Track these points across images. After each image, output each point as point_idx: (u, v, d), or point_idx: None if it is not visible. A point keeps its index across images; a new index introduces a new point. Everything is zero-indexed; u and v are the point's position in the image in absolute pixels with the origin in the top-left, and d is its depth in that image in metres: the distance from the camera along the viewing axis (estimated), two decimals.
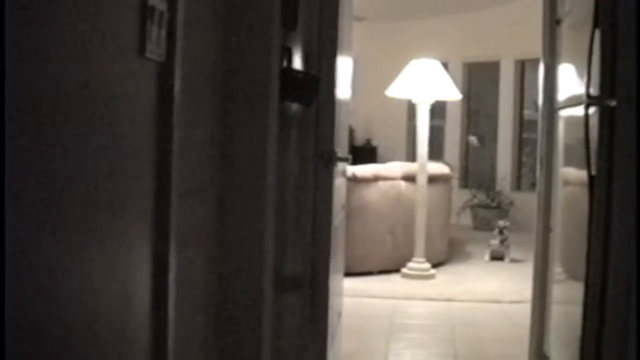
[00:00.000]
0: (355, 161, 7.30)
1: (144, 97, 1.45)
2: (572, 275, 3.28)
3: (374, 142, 12.10)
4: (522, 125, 10.41)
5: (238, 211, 2.08)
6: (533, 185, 7.31)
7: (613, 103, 2.63)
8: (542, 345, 3.84)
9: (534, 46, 4.59)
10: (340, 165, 3.53)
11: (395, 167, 7.18)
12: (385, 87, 7.18)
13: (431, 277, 6.67)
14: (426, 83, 6.77)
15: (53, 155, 1.05)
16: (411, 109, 8.39)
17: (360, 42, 6.53)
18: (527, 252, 5.67)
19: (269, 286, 2.18)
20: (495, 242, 7.68)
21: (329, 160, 3.10)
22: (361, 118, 11.35)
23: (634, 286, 2.57)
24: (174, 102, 1.54)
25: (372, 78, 10.31)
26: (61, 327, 1.10)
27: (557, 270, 3.64)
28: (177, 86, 1.55)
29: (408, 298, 5.93)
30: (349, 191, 4.77)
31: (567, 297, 3.31)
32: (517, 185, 10.41)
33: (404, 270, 6.68)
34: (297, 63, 2.80)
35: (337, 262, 3.50)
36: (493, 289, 6.23)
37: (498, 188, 10.17)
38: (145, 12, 1.39)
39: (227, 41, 2.06)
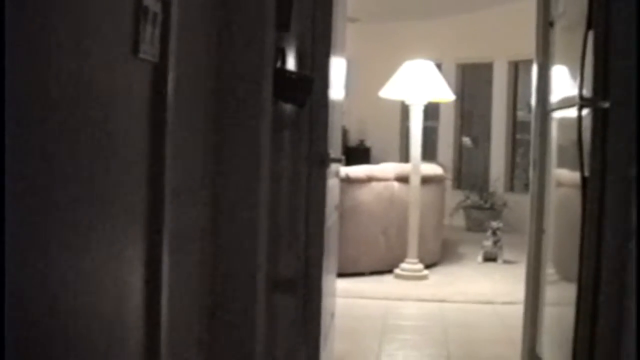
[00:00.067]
0: (349, 162, 7.32)
1: (137, 98, 1.45)
2: (564, 277, 3.29)
3: (368, 143, 12.10)
4: (516, 126, 10.42)
5: (231, 212, 2.07)
6: (526, 187, 7.31)
7: (606, 105, 2.63)
8: (535, 347, 3.85)
9: (528, 48, 4.61)
10: (334, 166, 3.53)
11: (388, 168, 7.19)
12: (379, 88, 7.19)
13: (424, 278, 6.68)
14: (420, 84, 6.78)
15: (45, 155, 1.05)
16: (404, 110, 8.40)
17: (353, 43, 6.52)
18: (520, 253, 5.69)
19: (262, 287, 2.18)
20: (488, 243, 7.69)
21: (322, 161, 3.10)
22: (354, 119, 11.35)
23: (627, 287, 2.58)
24: (167, 102, 1.54)
25: (365, 79, 10.32)
26: (55, 327, 1.10)
27: (549, 271, 3.65)
28: (171, 86, 1.55)
29: (401, 299, 5.93)
30: (342, 192, 4.77)
31: (560, 299, 3.32)
32: (510, 187, 10.43)
33: (397, 271, 6.68)
34: (291, 64, 2.80)
35: (330, 262, 3.50)
36: (486, 290, 6.24)
37: (491, 189, 10.19)
38: (139, 13, 1.39)
39: (220, 42, 2.06)
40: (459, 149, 11.29)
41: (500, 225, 7.75)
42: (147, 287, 1.50)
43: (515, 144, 10.46)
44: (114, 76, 1.31)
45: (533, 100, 4.07)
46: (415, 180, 6.69)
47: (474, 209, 9.96)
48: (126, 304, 1.42)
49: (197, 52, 1.90)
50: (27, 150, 0.99)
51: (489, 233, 7.73)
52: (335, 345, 3.96)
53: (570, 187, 3.07)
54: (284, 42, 2.61)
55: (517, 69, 10.35)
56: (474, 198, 10.06)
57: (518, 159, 10.39)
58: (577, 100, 2.76)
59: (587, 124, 2.72)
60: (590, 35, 2.70)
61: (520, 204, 7.91)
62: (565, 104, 3.25)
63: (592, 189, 2.68)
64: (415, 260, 6.69)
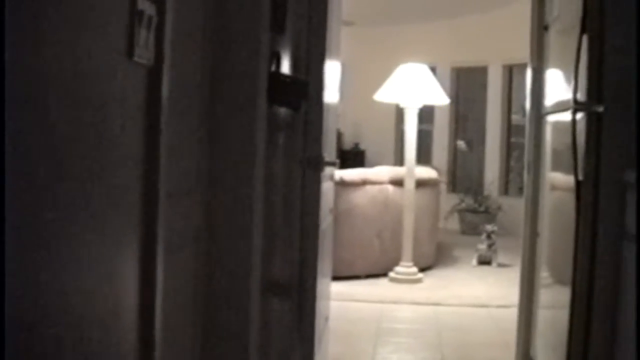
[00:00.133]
0: (343, 165, 7.32)
1: (132, 101, 1.45)
2: (558, 280, 3.29)
3: (362, 146, 12.11)
4: (510, 130, 10.45)
5: (226, 215, 2.08)
6: (521, 190, 7.32)
7: (600, 109, 2.64)
8: (529, 350, 3.85)
9: (522, 51, 4.61)
10: (328, 169, 3.53)
11: (383, 172, 7.19)
12: (374, 91, 7.20)
13: (418, 281, 6.68)
14: (414, 88, 6.79)
15: (40, 157, 1.05)
16: (399, 113, 8.42)
17: (348, 46, 6.53)
18: (515, 257, 5.69)
19: (256, 289, 2.18)
20: (482, 246, 7.70)
21: (316, 164, 3.10)
22: (349, 122, 11.36)
23: (621, 290, 2.59)
24: (162, 105, 1.54)
25: (360, 82, 10.33)
26: (49, 329, 1.10)
27: (544, 274, 3.65)
28: (165, 90, 1.55)
29: (395, 302, 5.94)
30: (337, 195, 4.77)
31: (554, 302, 3.33)
32: (505, 190, 10.45)
33: (392, 274, 6.69)
34: (286, 67, 2.81)
35: (324, 266, 3.50)
36: (480, 294, 6.25)
37: (486, 192, 10.20)
38: (134, 16, 1.39)
39: (215, 45, 2.06)
40: (454, 153, 11.31)
41: (495, 228, 7.76)
42: (141, 289, 1.50)
43: (509, 148, 10.48)
44: (108, 80, 1.31)
45: (527, 104, 4.08)
46: (409, 184, 6.69)
47: (469, 212, 9.97)
48: (120, 306, 1.42)
49: (191, 56, 1.90)
50: (20, 154, 0.99)
51: (483, 236, 7.74)
52: (329, 348, 3.96)
53: (564, 190, 3.08)
54: (279, 46, 2.62)
55: (512, 73, 10.37)
56: (469, 201, 10.07)
57: (512, 163, 10.42)
58: (571, 104, 2.77)
59: (581, 128, 2.73)
60: (585, 39, 2.71)
61: (515, 207, 7.93)
62: (559, 107, 3.26)
63: (586, 193, 2.69)
64: (410, 264, 6.70)
